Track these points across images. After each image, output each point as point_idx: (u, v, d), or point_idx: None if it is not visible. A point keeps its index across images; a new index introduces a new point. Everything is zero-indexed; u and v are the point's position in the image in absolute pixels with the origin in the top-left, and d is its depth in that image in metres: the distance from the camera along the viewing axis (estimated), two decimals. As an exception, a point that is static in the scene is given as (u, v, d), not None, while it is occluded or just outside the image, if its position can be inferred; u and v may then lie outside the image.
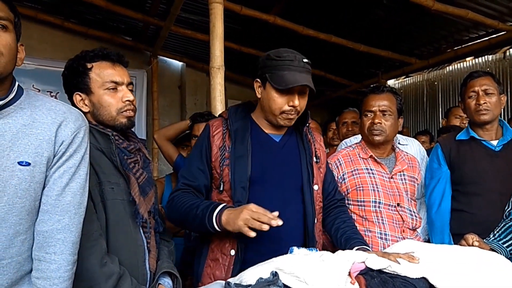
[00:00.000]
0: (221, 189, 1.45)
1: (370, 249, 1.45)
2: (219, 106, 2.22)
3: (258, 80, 1.49)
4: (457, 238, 1.69)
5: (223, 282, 1.21)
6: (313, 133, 1.63)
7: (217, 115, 1.74)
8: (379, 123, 1.83)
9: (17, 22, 1.07)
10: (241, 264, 1.38)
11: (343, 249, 1.41)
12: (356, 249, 1.39)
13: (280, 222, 1.22)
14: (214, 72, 2.19)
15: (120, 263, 1.29)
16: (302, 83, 1.38)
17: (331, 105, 6.17)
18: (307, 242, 1.48)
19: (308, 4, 3.72)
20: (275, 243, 1.38)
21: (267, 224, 1.21)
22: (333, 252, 1.25)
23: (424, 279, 1.16)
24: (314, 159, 1.56)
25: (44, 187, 1.09)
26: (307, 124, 1.58)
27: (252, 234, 1.22)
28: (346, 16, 3.89)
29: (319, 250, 1.49)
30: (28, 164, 1.04)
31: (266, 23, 3.82)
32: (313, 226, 1.49)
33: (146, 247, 1.40)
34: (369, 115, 1.87)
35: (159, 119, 5.12)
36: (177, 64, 5.62)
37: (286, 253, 1.25)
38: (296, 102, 1.41)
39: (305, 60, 1.43)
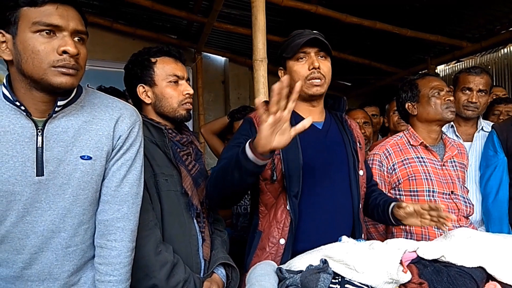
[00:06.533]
0: (274, 178, 1.40)
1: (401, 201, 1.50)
2: (263, 99, 2.22)
3: (281, 67, 1.53)
4: (517, 228, 1.61)
5: (273, 262, 1.23)
6: (349, 120, 1.62)
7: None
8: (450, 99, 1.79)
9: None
10: (292, 256, 1.36)
11: (381, 211, 1.50)
12: (393, 205, 1.46)
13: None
14: (257, 64, 2.19)
15: (174, 251, 1.34)
16: (310, 37, 1.42)
17: (378, 94, 6.00)
18: (354, 228, 1.48)
19: (351, -9, 3.63)
20: (328, 229, 1.39)
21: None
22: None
23: (481, 268, 1.12)
24: (358, 144, 1.55)
25: (103, 179, 1.15)
26: (344, 111, 1.60)
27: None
28: (390, 1, 3.75)
29: (364, 238, 1.49)
30: (90, 158, 1.10)
31: (308, 13, 3.76)
32: (358, 211, 1.49)
33: (200, 237, 1.44)
34: (443, 92, 1.81)
35: (205, 114, 5.20)
36: (220, 59, 5.68)
37: (336, 240, 1.25)
38: (316, 64, 1.42)
39: (314, 31, 1.47)
